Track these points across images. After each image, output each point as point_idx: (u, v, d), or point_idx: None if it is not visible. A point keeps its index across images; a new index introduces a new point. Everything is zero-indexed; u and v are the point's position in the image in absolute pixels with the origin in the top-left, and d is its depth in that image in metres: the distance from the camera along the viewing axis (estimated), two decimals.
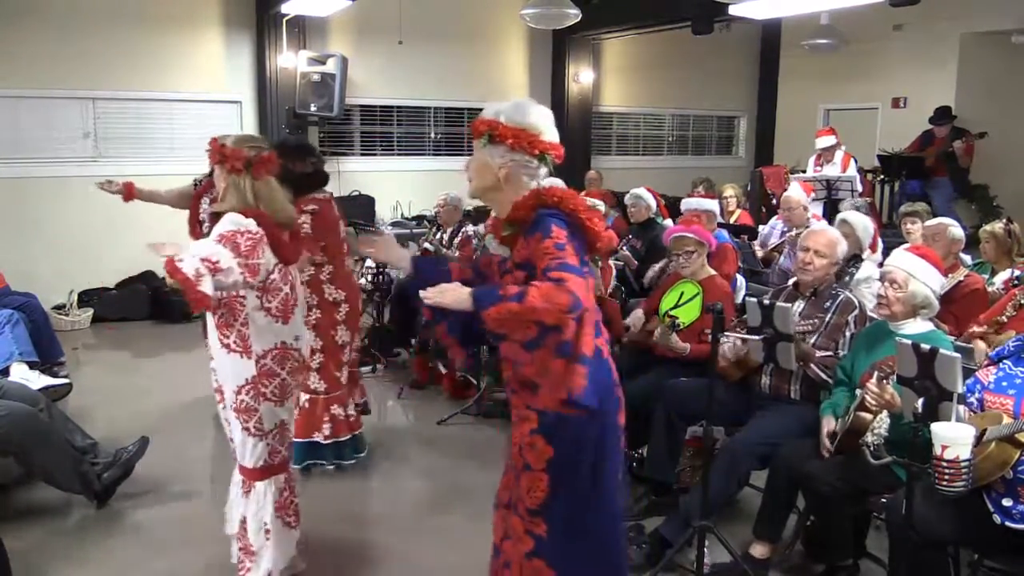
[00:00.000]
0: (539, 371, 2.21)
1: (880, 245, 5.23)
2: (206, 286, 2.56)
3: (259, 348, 2.89)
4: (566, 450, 2.26)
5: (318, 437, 4.17)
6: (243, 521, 3.01)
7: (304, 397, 4.12)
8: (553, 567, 2.32)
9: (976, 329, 3.93)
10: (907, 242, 4.68)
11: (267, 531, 2.99)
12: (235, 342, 2.89)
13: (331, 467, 4.28)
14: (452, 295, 2.14)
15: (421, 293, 2.18)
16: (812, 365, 3.39)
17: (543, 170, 2.33)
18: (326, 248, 4.06)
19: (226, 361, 2.92)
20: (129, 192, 4.79)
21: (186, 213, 4.85)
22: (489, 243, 5.45)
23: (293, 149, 4.06)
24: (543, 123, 2.31)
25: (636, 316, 4.37)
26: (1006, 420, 2.55)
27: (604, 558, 2.36)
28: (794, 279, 3.81)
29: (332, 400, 4.19)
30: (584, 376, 2.18)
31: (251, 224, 2.79)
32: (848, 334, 3.46)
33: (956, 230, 4.57)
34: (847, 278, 4.41)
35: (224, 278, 2.63)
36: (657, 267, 5.46)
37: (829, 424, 3.15)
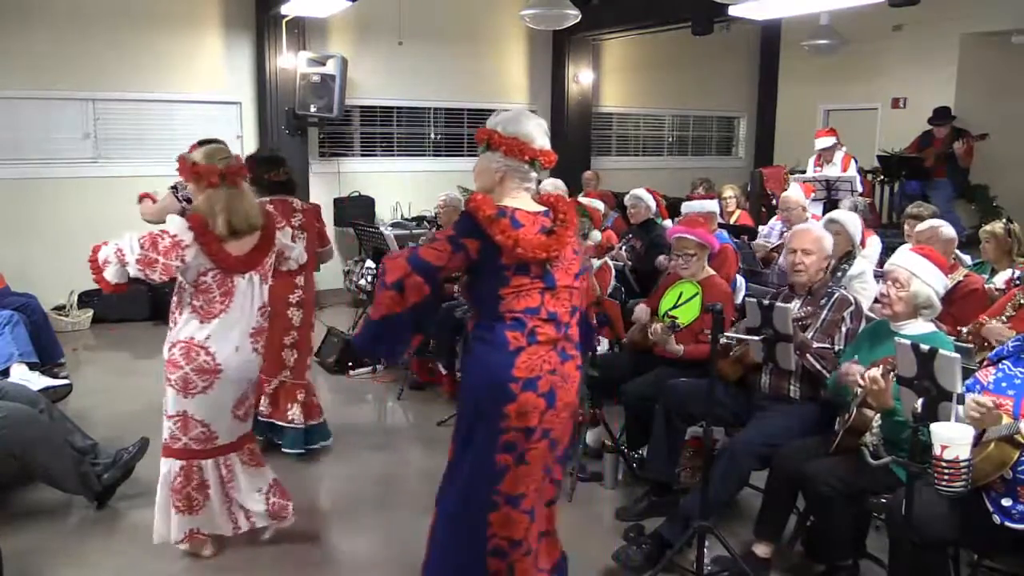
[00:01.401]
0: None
1: (878, 243, 5.24)
2: (109, 273, 3.01)
3: (174, 337, 3.16)
4: (463, 412, 2.70)
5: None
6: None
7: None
8: (437, 506, 2.75)
9: (984, 319, 3.93)
10: (908, 243, 4.68)
11: (157, 500, 3.28)
12: (171, 326, 3.21)
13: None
14: None
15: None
16: (808, 356, 3.39)
17: (533, 173, 2.65)
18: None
19: None
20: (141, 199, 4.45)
21: None
22: None
23: (269, 160, 4.49)
24: (535, 132, 2.62)
25: (641, 309, 4.36)
26: (1005, 420, 2.55)
27: (459, 519, 2.68)
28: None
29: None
30: (362, 328, 2.70)
31: (179, 228, 3.04)
32: (844, 329, 3.47)
33: (947, 230, 4.56)
34: (840, 274, 4.43)
35: (128, 270, 3.01)
36: (662, 257, 5.48)
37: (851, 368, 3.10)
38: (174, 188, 4.73)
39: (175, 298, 3.20)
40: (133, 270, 3.00)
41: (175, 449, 3.22)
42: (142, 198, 4.42)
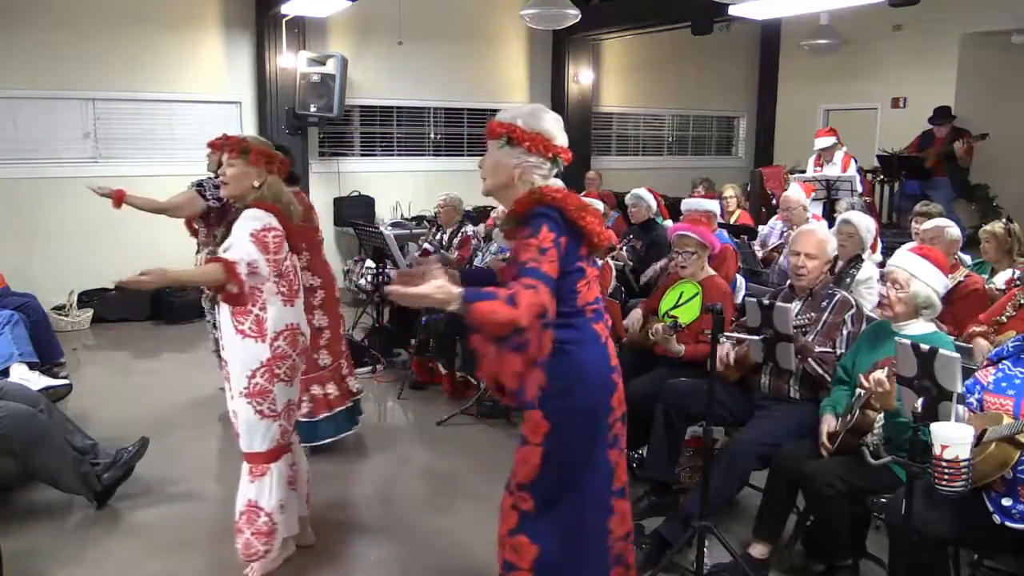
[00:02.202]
0: (499, 367, 2.27)
1: (880, 245, 5.22)
2: (247, 288, 2.92)
3: (273, 331, 3.06)
4: (561, 425, 2.39)
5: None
6: (254, 506, 3.12)
7: None
8: (535, 542, 2.40)
9: (976, 328, 3.93)
10: (914, 241, 4.67)
11: (282, 506, 3.17)
12: (250, 328, 3.05)
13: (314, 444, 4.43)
14: (441, 295, 2.12)
15: (393, 290, 2.18)
16: (810, 359, 3.39)
17: (554, 171, 2.48)
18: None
19: (239, 347, 3.05)
20: (119, 199, 4.56)
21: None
22: (496, 236, 5.46)
23: (285, 151, 4.43)
24: (555, 129, 2.46)
25: (634, 317, 4.36)
26: (1006, 420, 2.55)
27: (582, 538, 2.44)
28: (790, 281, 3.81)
29: (310, 380, 4.34)
30: (536, 380, 2.28)
31: (274, 221, 3.01)
32: (845, 332, 3.46)
33: (953, 230, 4.56)
34: (848, 280, 4.40)
35: (256, 281, 2.95)
36: (657, 266, 5.46)
37: (829, 423, 3.15)
38: (199, 186, 4.76)
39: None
40: (263, 278, 2.97)
41: (286, 444, 3.19)
42: (120, 197, 4.40)
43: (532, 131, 2.42)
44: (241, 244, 2.92)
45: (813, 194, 7.00)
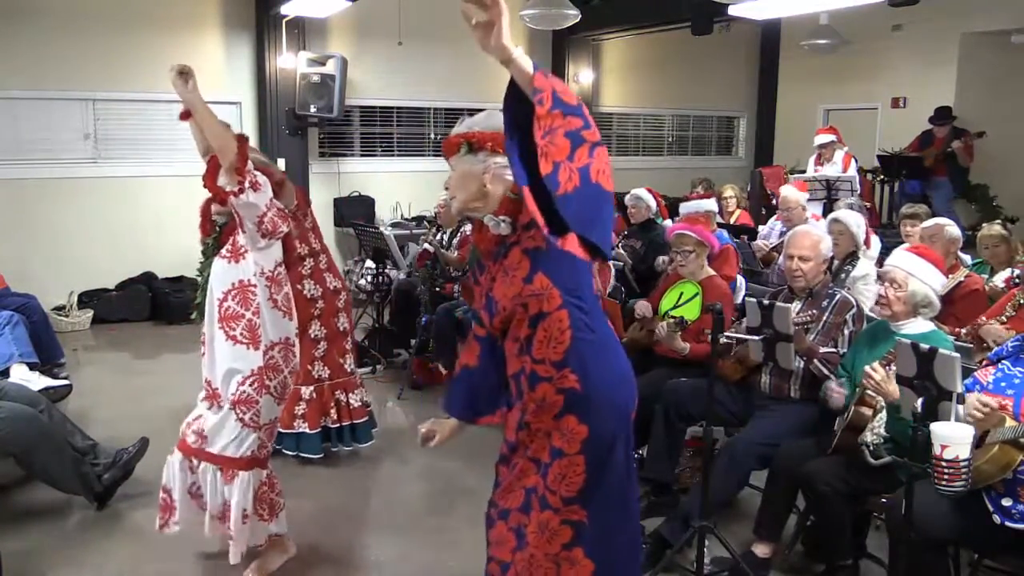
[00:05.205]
0: (550, 135, 1.83)
1: (877, 243, 5.24)
2: (247, 180, 2.90)
3: (267, 340, 3.01)
4: (600, 425, 2.21)
5: (327, 422, 4.33)
6: (226, 506, 3.08)
7: (309, 388, 4.27)
8: (591, 556, 2.24)
9: (982, 320, 3.93)
10: (906, 243, 4.68)
11: (245, 518, 3.08)
12: (242, 333, 2.99)
13: (335, 450, 4.45)
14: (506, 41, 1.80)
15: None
16: (816, 361, 3.39)
17: None
18: (319, 237, 4.38)
19: (229, 352, 2.99)
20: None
21: (187, 217, 4.86)
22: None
23: None
24: None
25: (643, 306, 4.33)
26: (1009, 422, 2.55)
27: (633, 537, 2.35)
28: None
29: (336, 386, 4.35)
30: (570, 180, 1.83)
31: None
32: (847, 332, 3.46)
33: (953, 229, 4.56)
34: (843, 276, 4.42)
35: (254, 203, 2.88)
36: (666, 257, 5.46)
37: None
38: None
39: (237, 296, 2.98)
40: (265, 201, 2.99)
41: (262, 458, 3.12)
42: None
43: (491, 131, 2.22)
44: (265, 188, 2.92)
45: (811, 191, 7.00)
